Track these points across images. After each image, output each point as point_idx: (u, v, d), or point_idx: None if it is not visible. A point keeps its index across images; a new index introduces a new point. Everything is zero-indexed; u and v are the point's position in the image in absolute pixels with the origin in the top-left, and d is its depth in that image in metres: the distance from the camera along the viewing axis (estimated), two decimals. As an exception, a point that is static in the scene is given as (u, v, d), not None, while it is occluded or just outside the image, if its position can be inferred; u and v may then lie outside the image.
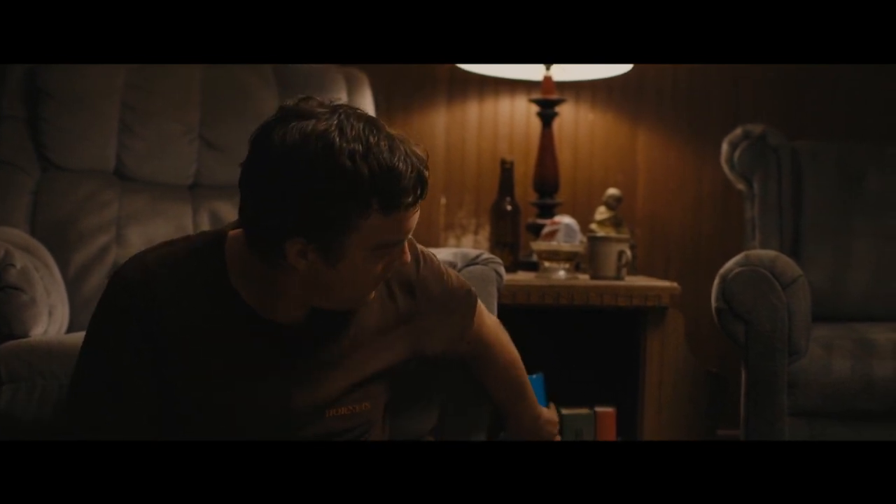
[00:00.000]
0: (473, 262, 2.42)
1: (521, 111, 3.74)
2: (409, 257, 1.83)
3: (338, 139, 1.68)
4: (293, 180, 1.69)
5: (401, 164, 1.71)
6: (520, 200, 3.48)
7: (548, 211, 3.48)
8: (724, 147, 3.52)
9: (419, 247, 2.03)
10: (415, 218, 1.78)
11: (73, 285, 2.78)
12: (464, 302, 2.10)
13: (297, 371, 1.85)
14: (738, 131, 3.51)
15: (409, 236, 1.82)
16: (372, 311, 1.92)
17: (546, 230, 3.27)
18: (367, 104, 3.30)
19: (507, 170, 3.46)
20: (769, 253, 2.88)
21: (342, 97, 3.24)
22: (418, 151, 1.75)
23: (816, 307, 2.92)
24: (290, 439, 1.85)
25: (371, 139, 1.70)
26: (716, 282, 2.86)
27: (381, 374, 1.95)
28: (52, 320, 2.38)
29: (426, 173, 1.75)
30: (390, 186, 1.70)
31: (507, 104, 3.75)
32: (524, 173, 3.64)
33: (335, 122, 1.70)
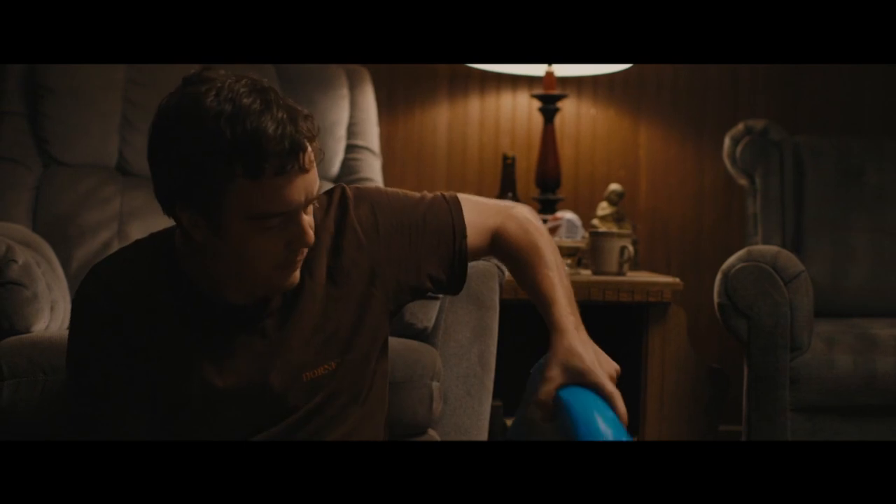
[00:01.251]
0: (475, 257, 2.42)
1: (523, 106, 3.74)
2: (311, 237, 1.74)
3: (207, 100, 1.66)
4: (167, 144, 1.69)
5: (269, 127, 1.65)
6: (522, 196, 3.49)
7: (550, 206, 3.48)
8: (726, 142, 3.51)
9: (349, 188, 1.94)
10: (297, 189, 1.69)
11: (75, 281, 2.77)
12: (432, 213, 1.94)
13: (267, 347, 1.83)
14: (740, 126, 3.51)
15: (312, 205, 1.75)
16: (319, 267, 1.87)
17: (548, 226, 3.27)
18: (369, 100, 3.30)
19: (508, 165, 3.46)
20: (771, 248, 2.88)
21: (344, 93, 3.24)
22: (304, 122, 1.69)
23: (817, 302, 2.92)
24: (276, 411, 1.83)
25: (244, 101, 1.66)
26: (718, 277, 2.86)
27: (355, 327, 1.88)
28: (53, 316, 2.38)
29: (303, 141, 1.67)
30: (253, 149, 1.65)
31: (509, 99, 3.75)
32: (526, 169, 3.64)
33: (215, 86, 1.67)
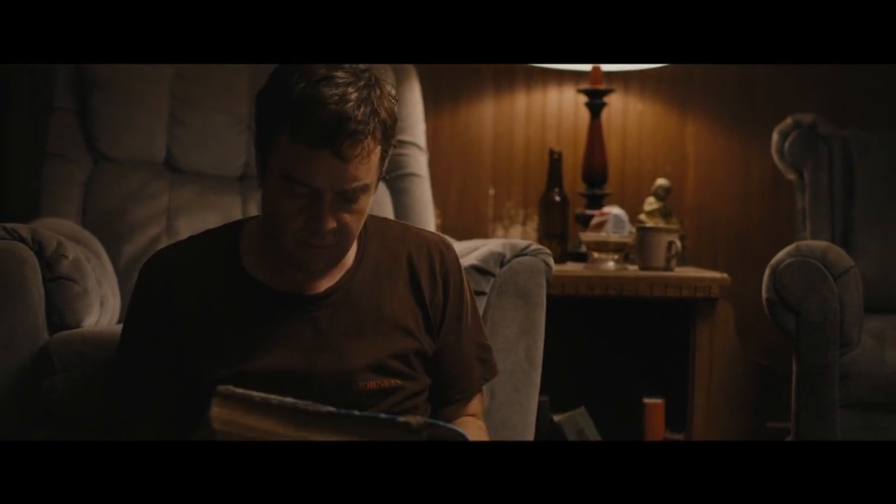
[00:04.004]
0: (522, 252, 2.42)
1: (570, 101, 3.73)
2: (325, 226, 1.74)
3: (308, 65, 1.72)
4: (259, 93, 1.78)
5: (328, 98, 1.68)
6: (568, 191, 3.48)
7: (596, 201, 3.47)
8: (775, 137, 3.49)
9: (451, 244, 1.99)
10: (323, 171, 1.70)
11: (124, 276, 2.80)
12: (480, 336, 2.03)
13: (318, 341, 1.84)
14: (789, 121, 3.48)
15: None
16: (396, 289, 1.90)
17: (595, 221, 3.26)
18: (416, 96, 3.30)
19: (555, 160, 3.46)
20: (820, 244, 2.86)
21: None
22: (367, 115, 1.69)
23: (867, 298, 2.89)
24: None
25: (335, 73, 1.70)
26: (766, 273, 2.84)
27: (412, 353, 1.90)
28: (103, 311, 2.40)
29: (350, 127, 1.68)
30: (304, 112, 1.68)
31: (555, 95, 3.74)
32: (573, 164, 3.63)
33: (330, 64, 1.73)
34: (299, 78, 1.70)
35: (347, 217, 1.76)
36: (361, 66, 1.74)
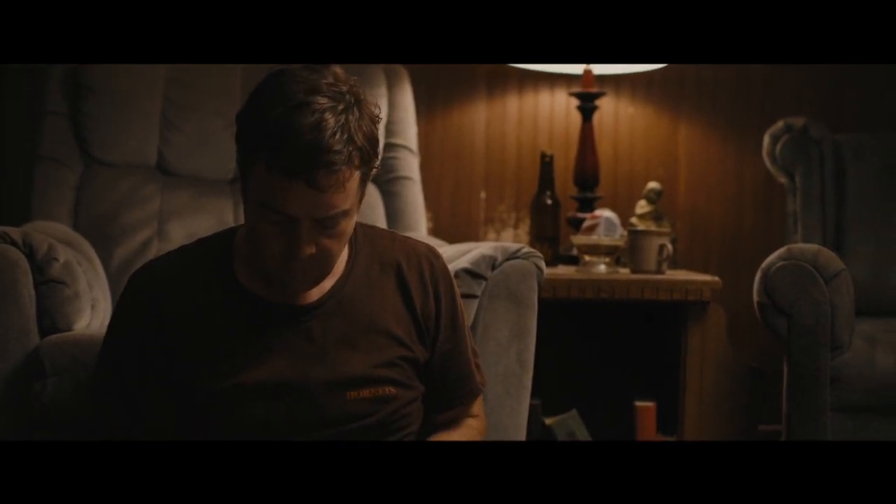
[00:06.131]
0: (514, 255, 2.42)
1: (561, 105, 3.73)
2: (303, 253, 1.73)
3: (286, 81, 1.69)
4: (238, 114, 1.75)
5: (304, 127, 1.65)
6: (560, 194, 3.48)
7: (588, 205, 3.47)
8: (766, 140, 3.49)
9: (440, 253, 1.98)
10: (297, 200, 1.68)
11: (116, 279, 2.80)
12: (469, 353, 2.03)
13: (311, 351, 1.83)
14: (780, 124, 3.48)
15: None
16: (386, 298, 1.90)
17: (586, 224, 3.26)
18: (408, 99, 3.30)
19: (546, 164, 3.46)
20: (812, 247, 2.86)
21: (382, 92, 3.24)
22: (344, 144, 1.67)
23: (858, 301, 2.89)
24: (312, 419, 1.83)
25: (313, 97, 1.67)
26: (758, 276, 2.84)
27: (404, 362, 1.90)
28: (94, 314, 2.40)
29: (324, 158, 1.65)
30: (278, 142, 1.65)
31: (547, 98, 3.74)
32: (564, 167, 3.63)
33: (312, 75, 1.70)
34: (276, 102, 1.68)
35: (327, 242, 1.75)
36: (343, 86, 1.71)
